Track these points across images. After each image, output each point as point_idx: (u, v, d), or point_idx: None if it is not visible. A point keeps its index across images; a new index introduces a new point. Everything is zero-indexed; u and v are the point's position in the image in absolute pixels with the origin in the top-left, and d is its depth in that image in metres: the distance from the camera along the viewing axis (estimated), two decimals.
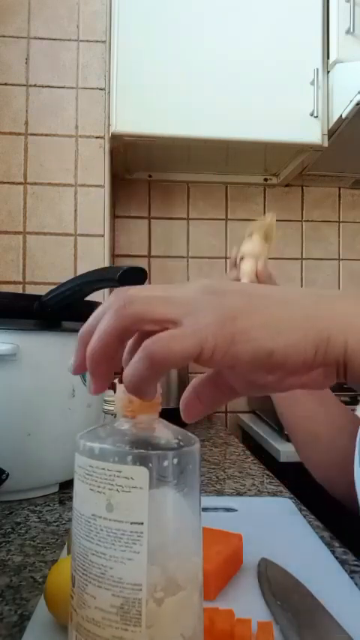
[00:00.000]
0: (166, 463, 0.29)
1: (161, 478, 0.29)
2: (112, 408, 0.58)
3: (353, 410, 0.72)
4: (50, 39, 1.26)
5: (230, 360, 0.28)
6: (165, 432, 0.31)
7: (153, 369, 0.27)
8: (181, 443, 0.30)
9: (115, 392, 0.32)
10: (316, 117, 1.24)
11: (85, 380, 0.75)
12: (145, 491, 0.28)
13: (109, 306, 0.29)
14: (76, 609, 0.29)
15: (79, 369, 0.31)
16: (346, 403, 1.25)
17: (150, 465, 0.28)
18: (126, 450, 0.29)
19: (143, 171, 1.54)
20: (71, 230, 1.25)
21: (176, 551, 0.29)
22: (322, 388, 0.30)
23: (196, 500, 0.31)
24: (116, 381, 0.32)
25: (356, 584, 0.46)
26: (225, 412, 1.57)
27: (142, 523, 0.28)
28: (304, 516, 0.63)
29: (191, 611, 0.30)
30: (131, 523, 0.28)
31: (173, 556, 0.29)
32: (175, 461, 0.29)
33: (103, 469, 0.28)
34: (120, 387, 0.31)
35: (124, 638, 0.27)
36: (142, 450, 0.29)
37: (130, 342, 0.30)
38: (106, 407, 0.64)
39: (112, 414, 0.57)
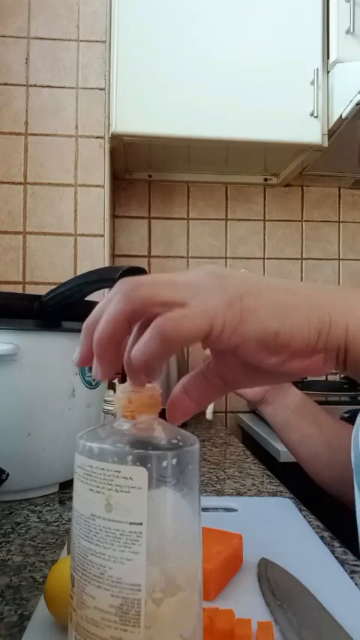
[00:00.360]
0: (165, 463, 0.29)
1: (161, 478, 0.29)
2: (112, 408, 0.58)
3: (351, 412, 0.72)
4: (50, 39, 1.27)
5: (238, 338, 0.28)
6: (165, 432, 0.31)
7: (164, 347, 0.27)
8: (181, 443, 0.30)
9: (114, 392, 0.32)
10: (316, 117, 1.24)
11: (84, 380, 0.75)
12: (144, 492, 0.28)
13: (116, 292, 0.29)
14: (76, 609, 0.29)
15: (85, 361, 0.30)
16: (346, 403, 1.25)
17: (149, 465, 0.28)
18: (125, 450, 0.29)
19: (143, 171, 1.54)
20: (71, 230, 1.25)
21: (175, 551, 0.29)
22: (321, 373, 0.31)
23: (195, 500, 0.31)
24: (116, 381, 0.32)
25: (356, 584, 0.46)
26: (225, 412, 1.57)
27: (141, 523, 0.28)
28: (304, 516, 0.63)
29: (190, 611, 0.30)
30: (130, 523, 0.28)
31: (172, 557, 0.29)
32: (175, 461, 0.29)
33: (102, 469, 0.28)
34: (119, 387, 0.31)
35: (123, 638, 0.27)
36: (142, 450, 0.29)
37: (134, 330, 0.30)
38: (106, 407, 0.64)
39: (112, 414, 0.57)
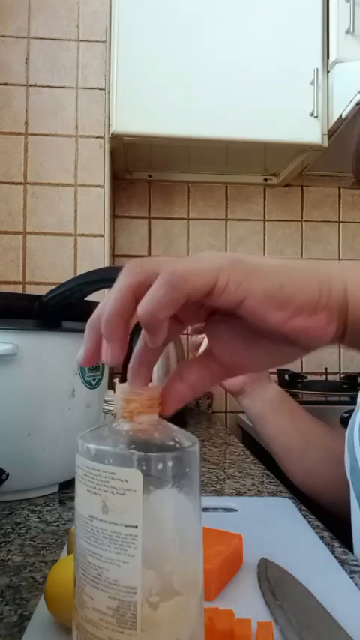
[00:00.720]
0: (162, 465, 0.28)
1: (158, 480, 0.28)
2: (112, 408, 0.58)
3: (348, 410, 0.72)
4: (50, 39, 1.27)
5: (244, 291, 0.29)
6: (164, 433, 0.31)
7: (172, 293, 0.27)
8: (180, 444, 0.30)
9: (114, 392, 0.32)
10: (316, 117, 1.24)
11: (84, 380, 0.75)
12: (139, 494, 0.27)
13: (120, 275, 0.30)
14: (77, 608, 0.29)
15: (91, 359, 0.31)
16: (346, 403, 1.25)
17: (144, 467, 0.28)
18: (121, 452, 0.29)
19: (143, 171, 1.54)
20: (71, 230, 1.25)
21: (173, 555, 0.29)
22: (325, 337, 0.31)
23: (196, 502, 0.30)
24: (116, 380, 0.32)
25: (356, 584, 0.46)
26: (225, 412, 1.57)
27: (136, 526, 0.27)
28: (304, 516, 0.63)
29: (188, 615, 0.29)
30: (125, 526, 0.27)
31: (170, 560, 0.29)
32: (173, 462, 0.29)
33: (99, 470, 0.28)
34: (119, 388, 0.31)
35: None
36: (137, 452, 0.28)
37: (142, 334, 0.31)
38: (106, 407, 0.64)
39: (112, 414, 0.57)
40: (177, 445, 0.30)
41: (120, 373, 0.31)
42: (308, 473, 0.69)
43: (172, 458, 0.29)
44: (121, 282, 0.29)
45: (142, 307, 0.28)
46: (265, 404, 0.70)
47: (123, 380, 0.32)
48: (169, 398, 0.32)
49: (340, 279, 0.31)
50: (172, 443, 0.30)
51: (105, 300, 0.30)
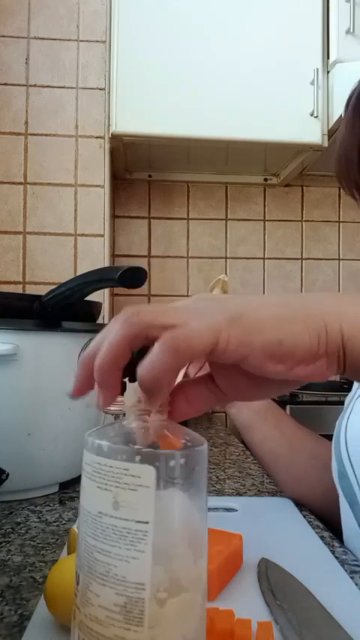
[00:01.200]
0: (173, 463, 0.29)
1: (168, 478, 0.28)
2: (112, 408, 0.58)
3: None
4: (50, 39, 1.26)
5: (244, 349, 0.29)
6: (174, 432, 0.31)
7: (175, 358, 0.28)
8: (190, 443, 0.30)
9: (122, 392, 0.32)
10: (316, 117, 1.24)
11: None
12: (151, 490, 0.28)
13: (115, 320, 0.29)
14: (80, 607, 0.29)
15: (80, 392, 0.32)
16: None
17: (157, 464, 0.28)
18: (134, 449, 0.29)
19: (143, 171, 1.54)
20: (71, 230, 1.25)
21: (181, 552, 0.29)
22: (325, 378, 0.32)
23: (202, 501, 0.30)
24: (126, 380, 0.32)
25: (356, 584, 0.46)
26: (225, 412, 1.57)
27: (148, 522, 0.27)
28: (304, 516, 0.64)
29: (194, 613, 0.30)
30: (137, 522, 0.27)
31: (178, 557, 0.29)
32: (183, 461, 0.29)
33: (111, 467, 0.28)
34: (130, 386, 0.31)
35: (127, 637, 0.27)
36: (151, 449, 0.29)
37: None
38: None
39: (112, 414, 0.58)
40: (187, 444, 0.30)
41: (126, 374, 0.31)
42: (295, 479, 0.71)
43: (183, 456, 0.29)
44: (118, 332, 0.29)
45: (145, 372, 0.28)
46: (251, 412, 0.72)
47: (132, 380, 0.32)
48: (174, 412, 0.33)
49: (336, 319, 0.31)
50: (182, 442, 0.30)
51: (99, 340, 0.30)
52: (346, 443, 0.60)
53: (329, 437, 0.67)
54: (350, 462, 0.59)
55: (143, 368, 0.28)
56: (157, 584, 0.28)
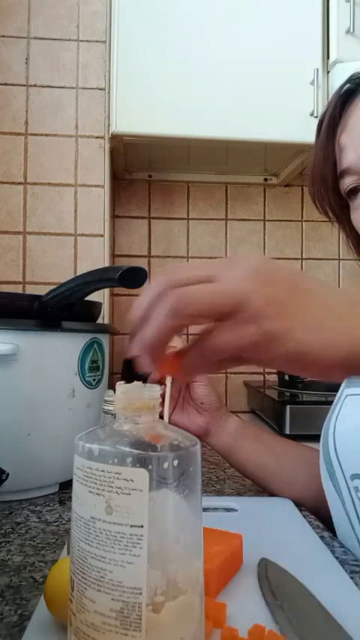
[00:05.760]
0: (166, 465, 0.28)
1: (161, 480, 0.28)
2: (112, 408, 0.58)
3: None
4: (50, 39, 1.26)
5: (270, 355, 0.31)
6: (165, 434, 0.31)
7: (205, 361, 0.31)
8: (182, 444, 0.30)
9: (114, 392, 0.32)
10: (316, 117, 1.23)
11: (84, 380, 0.75)
12: (144, 494, 0.27)
13: (163, 295, 0.31)
14: (75, 613, 0.29)
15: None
16: None
17: (150, 466, 0.28)
18: (125, 452, 0.29)
19: (143, 171, 1.54)
20: (71, 230, 1.25)
21: (177, 554, 0.29)
22: (344, 378, 0.33)
23: (197, 502, 0.30)
24: (121, 383, 0.32)
25: (356, 584, 0.46)
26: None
27: (142, 526, 0.27)
28: (304, 516, 0.64)
29: (191, 615, 0.29)
30: (131, 526, 0.27)
31: (174, 560, 0.29)
32: (176, 462, 0.29)
33: (103, 471, 0.28)
34: (119, 388, 0.31)
35: None
36: (142, 452, 0.28)
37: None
38: (105, 407, 0.64)
39: (112, 414, 0.57)
40: (179, 445, 0.30)
41: (121, 375, 0.32)
42: (287, 481, 0.72)
43: (176, 457, 0.29)
44: (166, 322, 0.31)
45: (185, 367, 0.32)
46: (229, 436, 0.73)
47: (130, 380, 0.32)
48: (158, 364, 0.33)
49: None
50: (174, 443, 0.30)
51: (147, 302, 0.32)
52: (334, 443, 0.61)
53: None
54: (339, 461, 0.60)
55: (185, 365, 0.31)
56: (154, 588, 0.28)
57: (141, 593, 0.27)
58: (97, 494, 0.28)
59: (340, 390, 0.67)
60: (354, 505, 0.57)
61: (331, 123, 0.62)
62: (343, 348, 0.31)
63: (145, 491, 0.27)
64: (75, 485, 0.30)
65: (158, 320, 0.30)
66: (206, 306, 0.30)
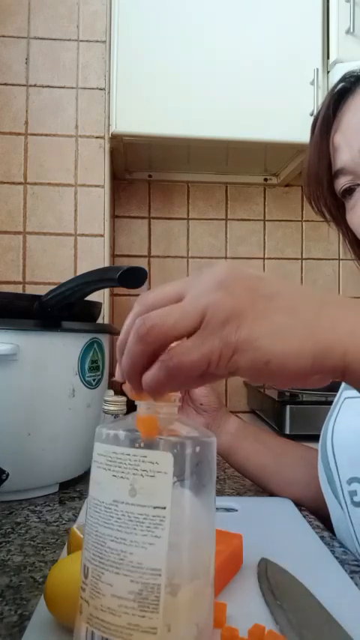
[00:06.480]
0: (189, 451, 0.30)
1: (182, 465, 0.29)
2: (112, 408, 0.58)
3: None
4: (50, 39, 1.26)
5: (232, 367, 0.30)
6: (183, 425, 0.32)
7: (169, 378, 0.30)
8: (201, 435, 0.31)
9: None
10: None
11: (84, 380, 0.75)
12: (169, 476, 0.28)
13: (132, 325, 0.31)
14: (89, 600, 0.29)
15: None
16: None
17: (175, 450, 0.29)
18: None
19: (143, 171, 1.54)
20: (71, 230, 1.25)
21: (195, 538, 0.30)
22: (322, 385, 0.32)
23: (212, 492, 0.31)
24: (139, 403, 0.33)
25: (356, 584, 0.46)
26: None
27: (165, 507, 0.28)
28: (304, 516, 0.64)
29: (205, 601, 0.30)
30: (154, 507, 0.28)
31: (192, 543, 0.30)
32: (198, 449, 0.30)
33: (128, 455, 0.29)
34: (141, 407, 0.33)
35: (141, 625, 0.27)
36: (168, 437, 0.30)
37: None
38: (105, 407, 0.64)
39: (111, 414, 0.57)
40: (199, 435, 0.31)
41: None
42: (287, 482, 0.72)
43: (196, 445, 0.30)
44: (135, 348, 0.31)
45: (147, 386, 0.31)
46: (229, 436, 0.73)
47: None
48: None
49: (341, 343, 0.30)
50: (193, 433, 0.31)
51: (125, 329, 0.33)
52: (332, 446, 0.61)
53: None
54: (336, 464, 0.60)
55: (145, 384, 0.30)
56: (173, 570, 0.28)
57: (160, 575, 0.28)
58: (122, 477, 0.29)
59: (338, 392, 0.67)
60: (348, 509, 0.57)
61: (325, 122, 0.61)
62: (308, 355, 0.29)
63: (170, 474, 0.28)
64: (96, 471, 0.31)
65: (129, 347, 0.31)
66: (170, 328, 0.30)
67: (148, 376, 0.30)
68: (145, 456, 0.29)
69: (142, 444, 0.29)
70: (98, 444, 0.31)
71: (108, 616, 0.28)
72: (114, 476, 0.29)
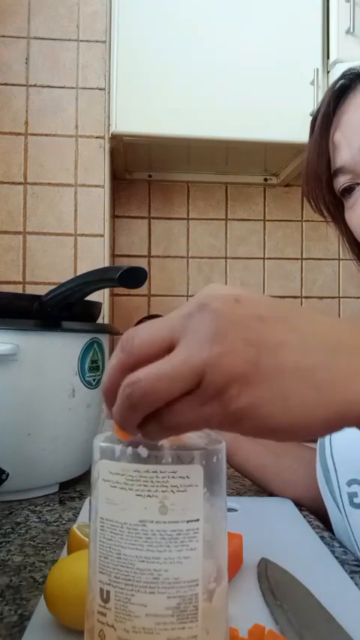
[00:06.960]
0: (215, 459, 0.30)
1: (211, 475, 0.29)
2: None
3: None
4: (50, 39, 1.26)
5: (239, 431, 0.28)
6: (192, 434, 0.31)
7: (168, 432, 0.28)
8: (216, 441, 0.31)
9: None
10: None
11: (84, 380, 0.75)
12: (200, 489, 0.28)
13: (116, 375, 0.28)
14: (114, 625, 0.28)
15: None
16: None
17: (203, 462, 0.29)
18: (178, 451, 0.29)
19: (143, 171, 1.54)
20: (71, 230, 1.25)
21: (222, 541, 0.30)
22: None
23: (225, 493, 0.31)
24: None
25: (356, 584, 0.46)
26: None
27: (198, 520, 0.28)
28: (304, 516, 0.64)
29: (227, 596, 0.31)
30: (187, 522, 0.28)
31: (220, 547, 0.30)
32: (220, 456, 0.30)
33: (155, 472, 0.28)
34: None
35: (181, 636, 0.27)
36: (195, 450, 0.29)
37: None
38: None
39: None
40: (211, 439, 0.31)
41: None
42: (287, 482, 0.72)
43: (219, 451, 0.30)
44: (112, 368, 0.29)
45: (144, 435, 0.28)
46: (228, 436, 0.72)
47: None
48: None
49: (357, 403, 0.26)
50: (207, 442, 0.31)
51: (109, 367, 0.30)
52: (331, 448, 0.61)
53: None
54: (335, 466, 0.60)
55: (144, 434, 0.28)
56: (208, 577, 0.28)
57: (197, 585, 0.27)
58: (149, 496, 0.28)
59: None
60: (345, 510, 0.57)
61: (325, 120, 0.61)
62: (320, 423, 0.26)
63: (201, 486, 0.28)
64: (110, 492, 0.28)
65: (120, 411, 0.27)
66: (164, 393, 0.26)
67: (146, 431, 0.28)
68: (175, 472, 0.28)
69: (169, 460, 0.28)
70: (108, 461, 0.29)
71: (144, 637, 0.27)
72: (138, 495, 0.28)
